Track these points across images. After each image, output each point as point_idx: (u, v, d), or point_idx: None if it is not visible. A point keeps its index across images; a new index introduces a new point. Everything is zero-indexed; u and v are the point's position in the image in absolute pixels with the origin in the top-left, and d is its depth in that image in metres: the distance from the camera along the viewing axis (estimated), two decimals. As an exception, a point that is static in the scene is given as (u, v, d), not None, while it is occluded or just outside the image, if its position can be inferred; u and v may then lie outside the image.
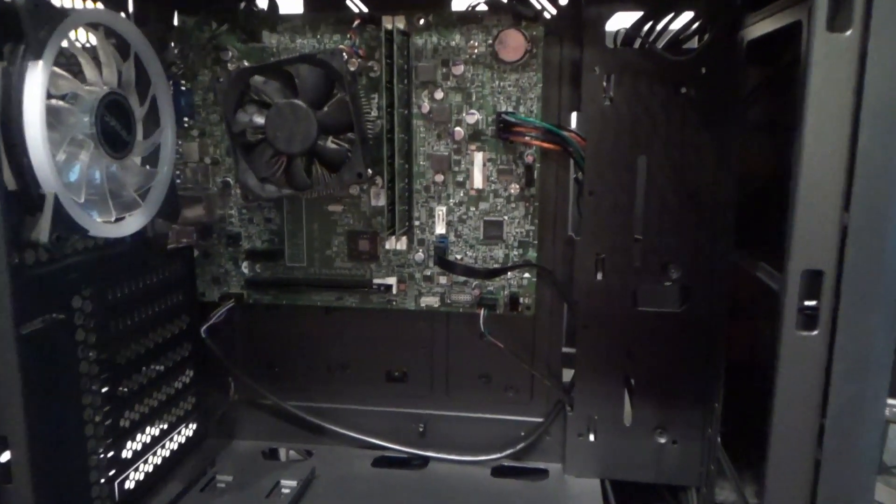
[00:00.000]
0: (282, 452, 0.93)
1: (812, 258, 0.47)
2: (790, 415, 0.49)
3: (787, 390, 0.49)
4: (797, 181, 0.47)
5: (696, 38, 0.78)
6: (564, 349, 0.87)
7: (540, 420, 0.88)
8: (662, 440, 0.82)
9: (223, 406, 0.93)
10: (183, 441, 0.87)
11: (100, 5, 0.71)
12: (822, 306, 0.47)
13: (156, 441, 0.81)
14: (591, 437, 0.84)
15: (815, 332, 0.48)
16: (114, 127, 0.66)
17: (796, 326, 0.48)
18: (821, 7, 0.45)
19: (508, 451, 0.87)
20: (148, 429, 0.80)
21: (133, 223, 0.69)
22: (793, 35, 0.58)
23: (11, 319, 0.55)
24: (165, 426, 0.83)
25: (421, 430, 0.91)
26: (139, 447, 0.78)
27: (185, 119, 0.85)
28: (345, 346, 0.91)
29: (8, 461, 0.57)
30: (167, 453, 0.84)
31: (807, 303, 0.48)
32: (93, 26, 0.66)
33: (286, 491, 0.81)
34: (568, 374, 0.87)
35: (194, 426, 0.90)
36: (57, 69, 0.60)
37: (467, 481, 0.85)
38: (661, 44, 0.77)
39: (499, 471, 0.87)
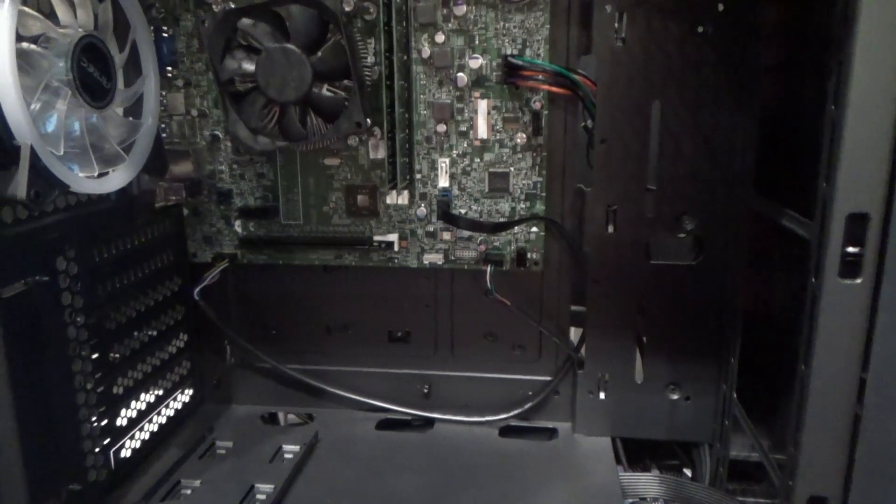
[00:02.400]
0: (282, 416, 0.91)
1: (858, 201, 0.44)
2: (829, 368, 0.46)
3: (826, 342, 0.46)
4: (843, 119, 0.44)
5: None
6: (573, 307, 0.84)
7: (548, 379, 0.85)
8: (675, 397, 0.80)
9: (220, 370, 0.90)
10: (179, 407, 0.84)
11: (71, -61, 0.65)
12: (867, 253, 0.44)
13: (151, 408, 0.78)
14: (602, 395, 0.82)
15: (859, 280, 0.45)
16: (92, 73, 0.60)
17: (839, 274, 0.45)
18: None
19: (516, 411, 0.85)
20: (142, 395, 0.76)
21: (117, 179, 0.65)
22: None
23: (-10, 282, 0.51)
24: (160, 392, 0.80)
25: (425, 391, 0.88)
26: (134, 414, 0.74)
27: (168, 68, 0.79)
28: (344, 305, 0.88)
29: (-6, 433, 0.54)
30: (163, 420, 0.80)
31: (849, 249, 0.45)
32: (64, -38, 0.60)
33: (289, 456, 0.78)
34: (575, 334, 0.85)
35: (190, 392, 0.87)
36: (26, 8, 0.55)
37: (474, 442, 0.82)
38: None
39: (506, 431, 0.85)
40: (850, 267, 0.45)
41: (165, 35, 0.78)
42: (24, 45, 0.55)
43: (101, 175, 0.63)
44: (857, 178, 0.44)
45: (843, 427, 0.47)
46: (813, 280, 0.49)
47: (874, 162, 0.43)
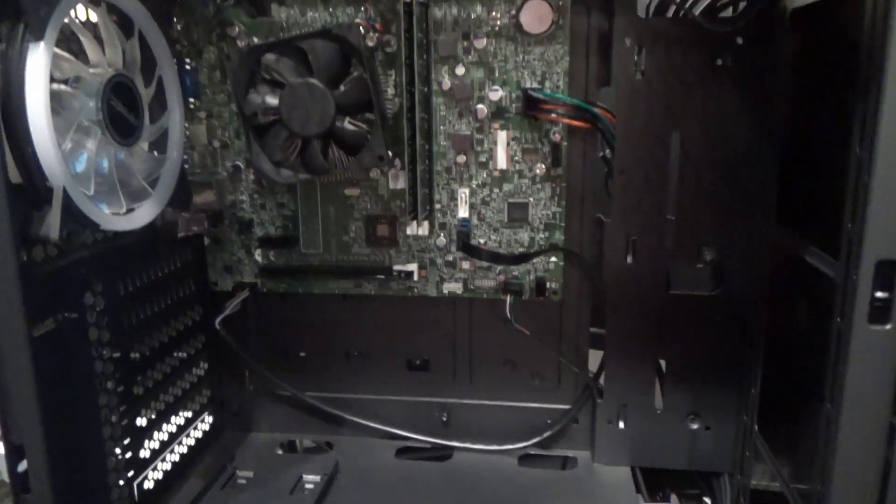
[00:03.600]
0: (301, 445, 0.91)
1: (888, 248, 0.44)
2: (859, 412, 0.46)
3: (856, 386, 0.46)
4: (872, 165, 0.44)
5: (731, 6, 0.73)
6: (592, 329, 0.84)
7: (567, 407, 0.85)
8: (695, 426, 0.80)
9: (239, 398, 0.90)
10: (200, 436, 0.84)
11: (100, -21, 0.66)
12: (896, 298, 0.44)
13: (173, 437, 0.78)
14: (621, 424, 0.82)
15: (889, 327, 0.45)
16: (120, 111, 0.62)
17: (867, 320, 0.45)
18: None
19: (535, 440, 0.85)
20: (164, 425, 0.77)
21: (144, 214, 0.66)
22: (847, 2, 0.54)
23: (24, 322, 0.52)
24: (182, 422, 0.80)
25: (444, 419, 0.88)
26: (156, 445, 0.75)
27: (191, 100, 0.80)
28: (364, 333, 0.88)
29: (25, 470, 0.54)
30: (184, 449, 0.81)
31: (878, 294, 0.45)
32: (94, 2, 0.61)
33: (310, 486, 0.79)
34: (594, 356, 0.85)
35: (210, 419, 0.87)
36: (59, 50, 0.56)
37: (493, 471, 0.82)
38: (695, 12, 0.73)
39: (526, 460, 0.85)
40: (879, 312, 0.45)
41: (189, 67, 0.79)
42: (56, 85, 0.56)
43: (128, 211, 0.64)
44: (887, 225, 0.44)
45: (873, 472, 0.47)
46: (839, 320, 0.50)
47: (904, 209, 0.43)
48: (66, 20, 0.57)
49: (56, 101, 0.55)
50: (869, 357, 0.46)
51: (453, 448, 0.86)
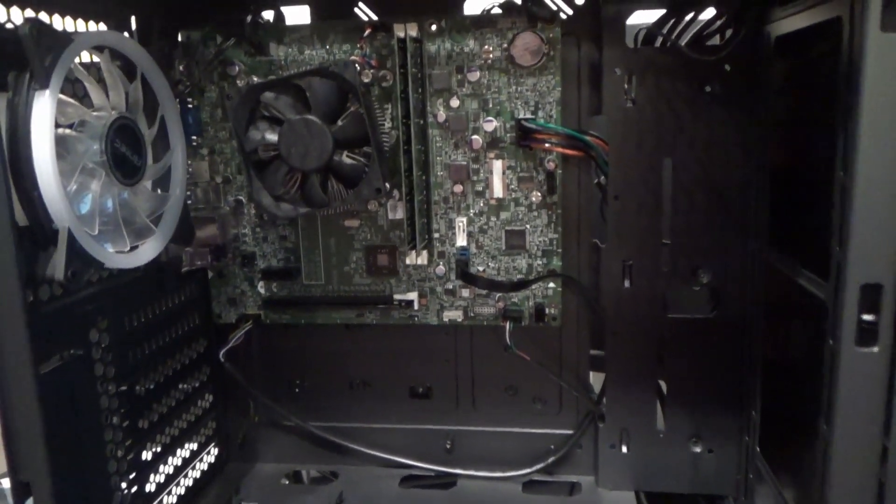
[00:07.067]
0: (306, 474, 0.91)
1: (871, 272, 0.45)
2: (851, 435, 0.47)
3: (847, 409, 0.47)
4: (852, 190, 0.45)
5: (718, 35, 0.75)
6: (592, 352, 0.85)
7: (570, 432, 0.86)
8: (697, 449, 0.80)
9: (244, 429, 0.91)
10: (205, 468, 0.85)
11: (103, 26, 0.69)
12: (882, 321, 0.45)
13: (178, 470, 0.79)
14: (624, 449, 0.82)
15: (876, 349, 0.46)
16: (124, 153, 0.63)
17: (855, 342, 0.46)
18: (874, 7, 0.42)
19: (539, 466, 0.85)
20: (170, 458, 0.77)
21: (148, 251, 0.67)
22: (828, 30, 0.55)
23: (30, 360, 0.53)
24: (187, 454, 0.81)
25: (448, 446, 0.88)
26: (162, 479, 0.76)
27: (194, 137, 0.82)
28: (366, 362, 0.89)
29: (31, 507, 0.55)
30: (190, 482, 0.81)
31: (864, 317, 0.46)
32: (98, 49, 0.63)
33: (315, 517, 0.79)
34: (595, 378, 0.85)
35: (216, 451, 0.88)
36: (64, 96, 0.58)
37: (498, 498, 0.83)
38: (682, 41, 0.75)
39: (530, 486, 0.85)
40: (867, 335, 0.46)
41: (191, 106, 0.81)
42: (62, 130, 0.58)
43: (132, 249, 0.66)
44: (870, 250, 0.45)
45: (867, 494, 0.47)
46: (830, 342, 0.50)
47: (886, 233, 0.44)
48: (71, 66, 0.59)
49: (61, 145, 0.57)
50: (858, 379, 0.46)
51: (457, 475, 0.87)
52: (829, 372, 0.50)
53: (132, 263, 0.65)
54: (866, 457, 0.47)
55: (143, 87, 0.68)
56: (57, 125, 0.57)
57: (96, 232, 0.59)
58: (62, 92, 0.58)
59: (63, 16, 0.63)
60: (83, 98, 0.63)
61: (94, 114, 0.62)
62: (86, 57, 0.65)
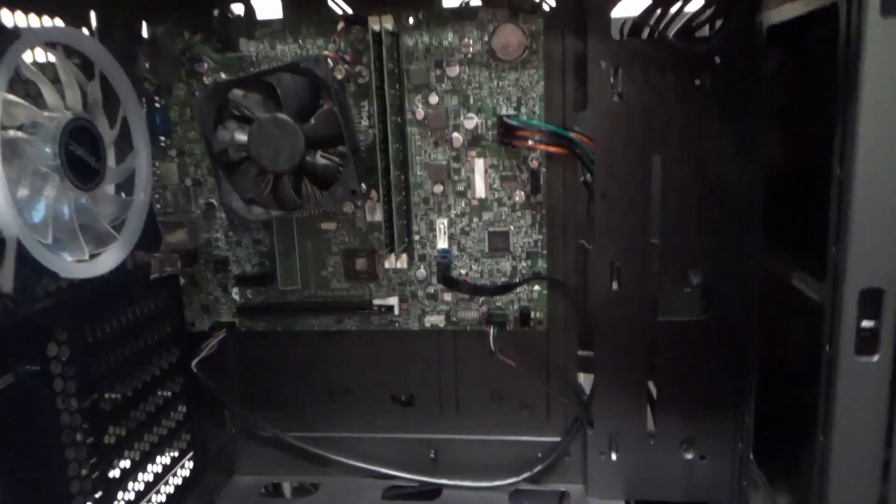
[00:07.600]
0: (286, 487, 0.88)
1: (870, 275, 0.42)
2: (851, 448, 0.44)
3: (846, 421, 0.44)
4: (851, 187, 0.42)
5: (708, 25, 0.72)
6: (580, 353, 0.82)
7: (558, 439, 0.83)
8: (689, 456, 0.77)
9: (220, 440, 0.88)
10: (180, 482, 0.82)
11: (58, 21, 0.65)
12: (884, 328, 0.42)
13: (150, 486, 0.76)
14: (614, 456, 0.79)
15: (876, 358, 0.43)
16: (80, 156, 0.60)
17: (854, 351, 0.43)
18: (874, -9, 0.39)
19: (526, 475, 0.82)
20: (140, 475, 0.74)
21: (109, 259, 0.64)
22: (825, 18, 0.52)
23: (-23, 380, 0.50)
24: (160, 469, 0.78)
25: (432, 455, 0.85)
26: (132, 496, 0.72)
27: (162, 138, 0.78)
28: (346, 370, 0.86)
29: (-17, 534, 0.52)
30: (163, 498, 0.78)
31: (864, 323, 0.43)
32: (50, 45, 0.59)
33: (293, 533, 0.76)
34: (585, 379, 0.82)
35: (191, 464, 0.84)
36: (11, 96, 0.54)
37: (484, 509, 0.80)
38: (670, 33, 0.72)
39: (517, 496, 0.82)
40: (867, 343, 0.43)
41: (158, 105, 0.78)
42: (10, 133, 0.55)
43: (92, 256, 0.62)
44: (870, 251, 0.42)
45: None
46: (827, 348, 0.47)
47: (886, 235, 0.41)
48: (20, 65, 0.56)
49: (9, 148, 0.54)
50: (858, 389, 0.43)
51: (442, 486, 0.84)
52: (826, 381, 0.47)
53: (92, 272, 0.62)
54: (867, 472, 0.44)
55: (103, 86, 0.65)
56: (4, 127, 0.53)
57: (49, 241, 0.56)
58: (11, 92, 0.54)
59: (13, 10, 0.59)
60: (36, 99, 0.59)
61: (47, 115, 0.58)
62: (40, 54, 0.61)
